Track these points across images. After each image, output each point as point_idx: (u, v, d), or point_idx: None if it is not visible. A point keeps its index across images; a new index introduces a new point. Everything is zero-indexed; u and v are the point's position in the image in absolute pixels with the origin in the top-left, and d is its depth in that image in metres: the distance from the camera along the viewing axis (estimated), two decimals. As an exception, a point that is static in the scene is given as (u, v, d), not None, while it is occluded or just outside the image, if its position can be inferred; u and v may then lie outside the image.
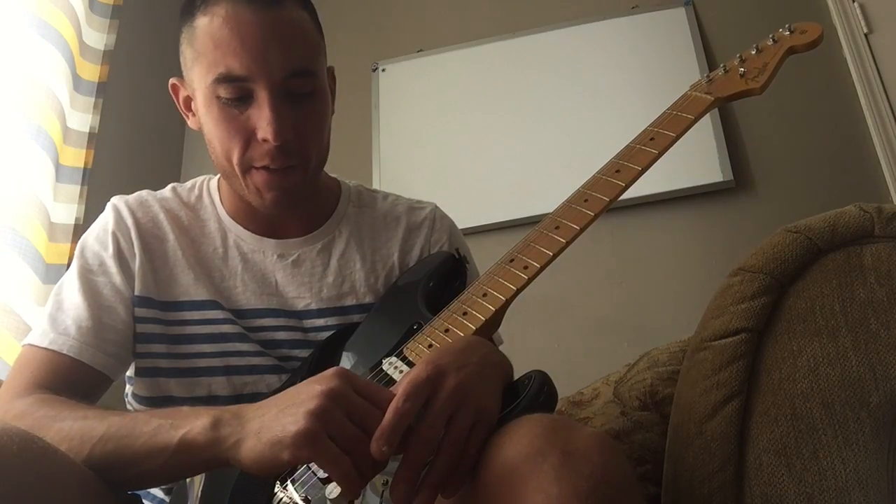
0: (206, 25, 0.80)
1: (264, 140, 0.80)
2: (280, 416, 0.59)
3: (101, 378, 0.83)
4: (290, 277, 0.91)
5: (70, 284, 0.86)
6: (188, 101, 0.88)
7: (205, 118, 0.84)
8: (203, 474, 0.75)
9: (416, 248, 0.97)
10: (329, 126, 0.89)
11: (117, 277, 0.86)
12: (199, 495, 0.73)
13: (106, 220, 0.90)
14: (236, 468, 0.63)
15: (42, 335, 0.83)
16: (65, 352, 0.81)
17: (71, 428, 0.69)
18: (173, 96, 0.91)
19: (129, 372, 0.90)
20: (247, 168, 0.83)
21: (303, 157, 0.84)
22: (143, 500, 0.88)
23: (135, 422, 0.68)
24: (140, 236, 0.89)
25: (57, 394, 0.77)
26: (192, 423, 0.64)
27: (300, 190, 0.86)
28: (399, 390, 0.60)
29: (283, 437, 0.57)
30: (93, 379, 0.82)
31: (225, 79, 0.80)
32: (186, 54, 0.84)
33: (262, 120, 0.79)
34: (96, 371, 0.82)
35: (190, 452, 0.63)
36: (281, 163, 0.82)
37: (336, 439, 0.57)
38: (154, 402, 0.86)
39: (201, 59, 0.81)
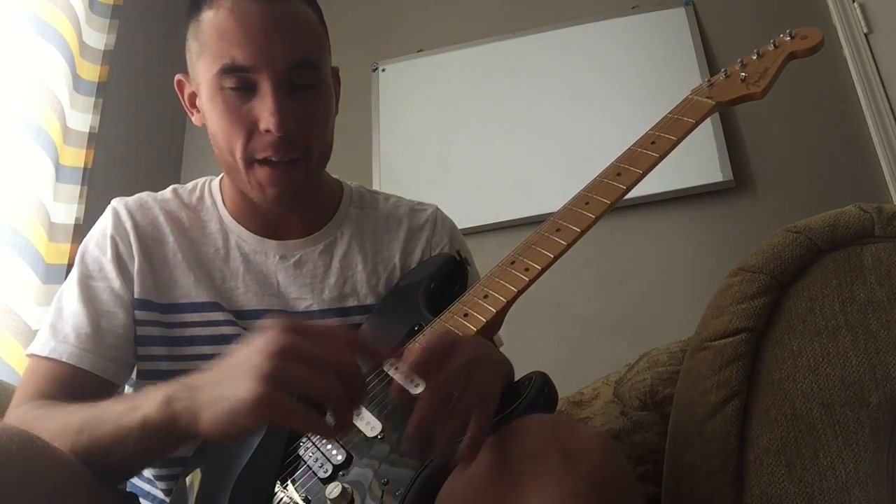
0: (211, 18, 0.81)
1: (267, 131, 0.80)
2: (230, 384, 0.58)
3: (103, 384, 0.83)
4: (292, 279, 0.91)
5: (70, 291, 0.87)
6: (193, 97, 0.88)
7: (209, 112, 0.84)
8: (201, 475, 0.75)
9: (418, 249, 0.97)
10: (332, 123, 0.90)
11: (116, 282, 0.86)
12: (199, 496, 0.73)
13: (105, 225, 0.90)
14: (230, 456, 0.63)
15: (43, 344, 0.83)
16: (64, 359, 0.81)
17: (53, 426, 0.69)
18: (178, 93, 0.91)
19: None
20: (250, 162, 0.83)
21: (305, 150, 0.84)
22: (144, 501, 0.88)
23: (103, 410, 0.68)
24: (139, 239, 0.89)
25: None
26: (148, 404, 0.63)
27: (303, 186, 0.86)
28: (427, 337, 0.61)
29: (238, 406, 0.56)
30: (95, 385, 0.82)
31: (229, 69, 0.80)
32: (192, 48, 0.85)
33: (265, 111, 0.80)
34: (98, 377, 0.82)
35: (153, 433, 0.63)
36: (283, 154, 0.82)
37: (301, 390, 0.56)
38: None
39: (206, 51, 0.82)
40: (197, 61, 0.84)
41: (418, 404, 0.58)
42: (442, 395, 0.58)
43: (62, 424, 0.69)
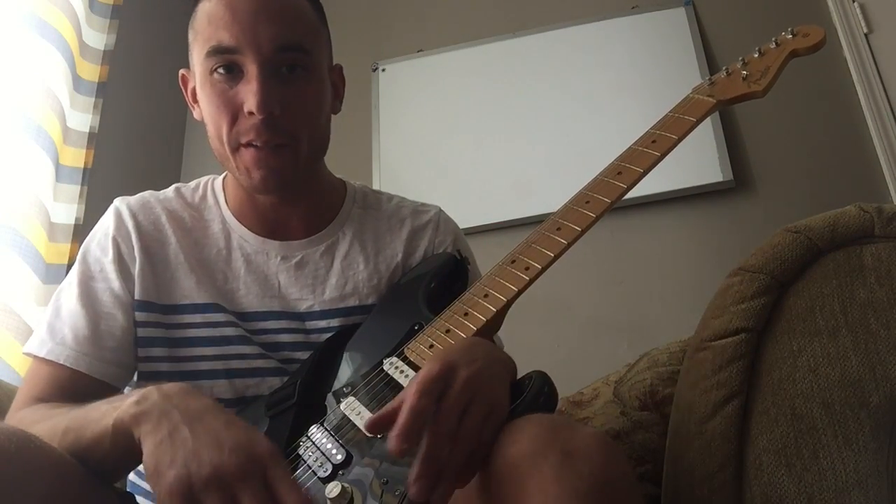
0: (204, 7, 0.83)
1: (250, 113, 0.80)
2: (178, 450, 0.56)
3: (102, 387, 0.82)
4: (294, 279, 0.91)
5: (69, 291, 0.86)
6: (195, 91, 0.89)
7: (202, 100, 0.85)
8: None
9: (420, 249, 0.97)
10: (327, 114, 0.90)
11: (116, 283, 0.86)
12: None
13: (107, 225, 0.90)
14: None
15: (40, 344, 0.83)
16: (61, 362, 0.81)
17: (44, 427, 0.69)
18: (182, 88, 0.92)
19: (132, 377, 0.90)
20: (236, 146, 0.83)
21: (293, 137, 0.83)
22: (145, 501, 0.88)
23: (88, 410, 0.67)
24: (141, 239, 0.89)
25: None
26: (124, 402, 0.62)
27: (291, 172, 0.85)
28: (412, 388, 0.59)
29: (166, 473, 0.55)
30: (93, 388, 0.81)
31: (215, 50, 0.81)
32: (189, 39, 0.87)
33: (249, 93, 0.80)
34: (96, 380, 0.82)
35: (125, 433, 0.61)
36: (267, 138, 0.81)
37: None
38: None
39: (198, 37, 0.84)
40: (192, 50, 0.86)
41: (417, 466, 0.57)
42: (439, 455, 0.57)
43: (52, 426, 0.69)
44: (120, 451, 0.63)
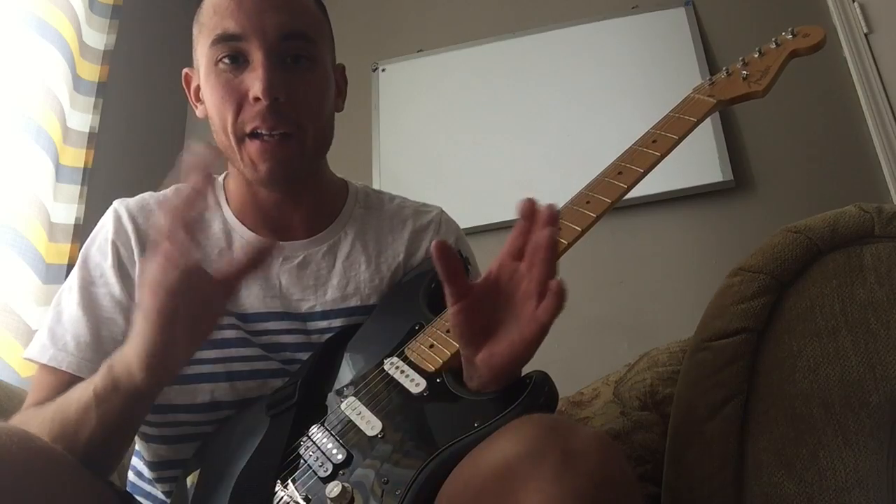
0: (209, 0, 0.84)
1: (255, 99, 0.81)
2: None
3: None
4: (295, 280, 0.91)
5: (69, 296, 0.86)
6: (198, 90, 0.89)
7: (206, 93, 0.85)
8: (201, 475, 0.74)
9: (422, 250, 0.97)
10: (331, 108, 0.90)
11: (116, 287, 0.86)
12: (199, 496, 0.73)
13: (106, 229, 0.90)
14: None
15: (42, 350, 0.83)
16: (63, 368, 0.81)
17: (33, 425, 0.70)
18: (185, 87, 0.92)
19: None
20: (241, 137, 0.83)
21: (298, 126, 0.83)
22: (145, 501, 0.88)
23: (67, 395, 0.72)
24: (140, 242, 0.88)
25: None
26: (97, 376, 0.69)
27: (296, 164, 0.85)
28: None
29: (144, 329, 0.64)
30: None
31: (220, 38, 0.82)
32: (194, 34, 0.87)
33: (255, 79, 0.81)
34: None
35: (105, 401, 0.68)
36: (272, 125, 0.81)
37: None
38: (155, 411, 0.85)
39: (204, 29, 0.84)
40: (196, 45, 0.86)
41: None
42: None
43: (40, 421, 0.71)
44: (107, 420, 0.68)
